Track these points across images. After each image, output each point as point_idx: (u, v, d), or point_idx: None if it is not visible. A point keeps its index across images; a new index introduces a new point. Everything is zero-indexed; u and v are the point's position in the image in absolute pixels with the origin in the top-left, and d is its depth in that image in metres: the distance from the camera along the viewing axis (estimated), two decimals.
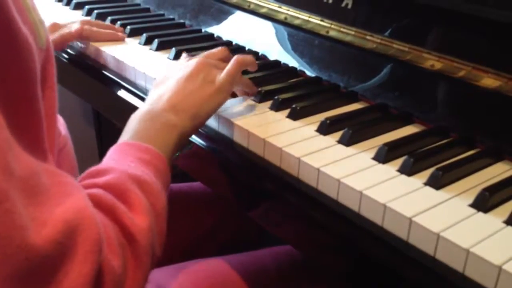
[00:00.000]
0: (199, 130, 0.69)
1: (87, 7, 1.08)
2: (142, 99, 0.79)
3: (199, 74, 0.63)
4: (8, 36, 0.36)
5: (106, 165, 0.49)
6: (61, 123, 0.52)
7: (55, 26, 0.87)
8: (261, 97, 0.72)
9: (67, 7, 1.12)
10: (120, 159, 0.50)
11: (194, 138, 0.69)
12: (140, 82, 0.81)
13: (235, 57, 0.67)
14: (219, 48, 0.71)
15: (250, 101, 0.71)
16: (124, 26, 0.97)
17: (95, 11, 1.05)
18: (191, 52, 0.85)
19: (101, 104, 0.96)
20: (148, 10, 1.11)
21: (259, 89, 0.73)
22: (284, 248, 0.79)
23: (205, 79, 0.63)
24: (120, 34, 0.93)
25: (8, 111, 0.36)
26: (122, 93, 0.81)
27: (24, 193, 0.34)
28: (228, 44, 0.92)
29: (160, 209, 0.48)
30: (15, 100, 0.37)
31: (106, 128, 1.46)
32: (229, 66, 0.65)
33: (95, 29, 0.90)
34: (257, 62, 0.84)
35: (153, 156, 0.52)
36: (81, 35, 0.88)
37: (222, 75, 0.64)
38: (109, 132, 1.46)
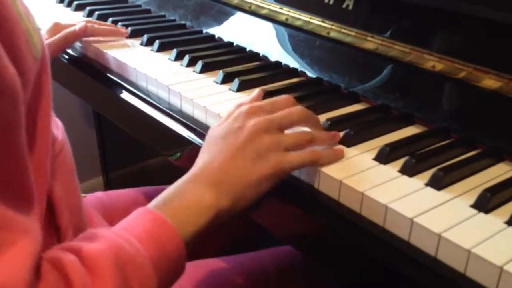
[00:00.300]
0: (197, 129, 0.69)
1: (88, 8, 1.08)
2: (143, 100, 0.79)
3: (253, 147, 0.52)
4: None
5: (107, 231, 0.45)
6: (58, 127, 0.51)
7: (57, 26, 0.87)
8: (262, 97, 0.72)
9: (68, 8, 1.12)
10: (129, 227, 0.46)
11: (194, 138, 0.69)
12: (141, 83, 0.81)
13: (314, 152, 0.55)
14: (296, 110, 0.57)
15: None
16: (125, 27, 0.97)
17: (96, 12, 1.05)
18: (193, 53, 0.85)
19: (102, 105, 0.96)
20: (149, 11, 1.11)
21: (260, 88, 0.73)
22: (283, 249, 0.79)
23: (259, 156, 0.52)
24: (123, 30, 0.94)
25: None
26: (123, 95, 0.82)
27: None
28: (229, 45, 0.93)
29: None
30: None
31: (106, 129, 1.46)
32: (305, 155, 0.54)
33: (96, 26, 0.90)
34: (258, 63, 0.85)
35: (167, 236, 0.47)
36: (85, 33, 0.87)
37: (290, 157, 0.53)
38: (109, 133, 1.46)
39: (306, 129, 0.59)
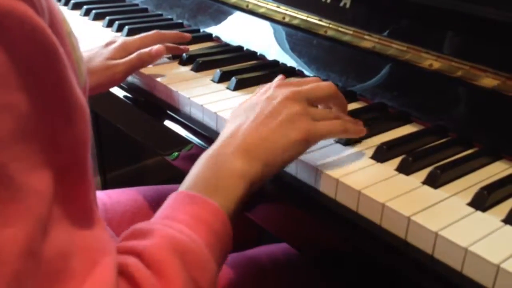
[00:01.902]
0: (196, 129, 0.69)
1: (85, 7, 1.08)
2: (141, 100, 0.79)
3: (283, 112, 0.53)
4: (64, 102, 0.34)
5: (151, 224, 0.45)
6: None
7: (126, 45, 0.77)
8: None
9: (65, 8, 1.12)
10: (171, 215, 0.46)
11: (193, 139, 0.69)
12: (137, 81, 0.81)
13: (342, 122, 0.56)
14: (324, 84, 0.57)
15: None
16: (122, 26, 0.97)
17: (93, 11, 1.05)
18: (190, 52, 0.85)
19: (100, 105, 0.96)
20: (146, 10, 1.11)
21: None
22: (280, 246, 0.79)
23: (289, 122, 0.52)
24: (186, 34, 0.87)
25: (60, 180, 0.34)
26: (119, 94, 0.81)
27: (44, 277, 0.33)
28: (226, 44, 0.92)
29: (204, 282, 0.43)
30: (66, 169, 0.35)
31: (104, 129, 1.45)
32: (335, 123, 0.55)
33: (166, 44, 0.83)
34: (255, 62, 0.85)
35: (210, 213, 0.46)
36: (161, 55, 0.78)
37: (319, 124, 0.53)
38: (107, 133, 1.46)
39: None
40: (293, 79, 0.59)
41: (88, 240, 0.37)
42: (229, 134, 0.53)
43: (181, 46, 0.86)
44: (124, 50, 0.77)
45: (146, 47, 0.78)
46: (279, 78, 0.63)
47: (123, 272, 0.39)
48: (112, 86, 0.78)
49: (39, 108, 0.33)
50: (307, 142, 0.53)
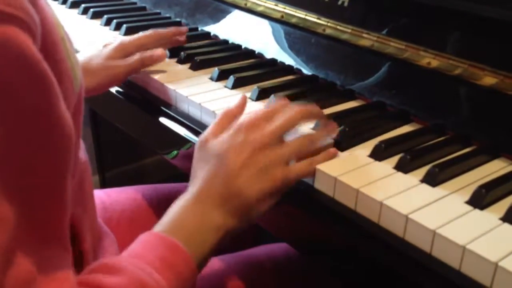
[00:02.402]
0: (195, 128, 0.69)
1: (83, 5, 1.08)
2: (138, 98, 0.78)
3: (257, 165, 0.52)
4: (48, 131, 0.33)
5: (122, 262, 0.44)
6: (81, 148, 0.50)
7: (123, 45, 0.77)
8: (257, 95, 0.72)
9: (63, 6, 1.12)
10: (143, 255, 0.46)
11: (191, 137, 0.69)
12: (135, 79, 0.81)
13: (309, 161, 0.55)
14: (294, 115, 0.55)
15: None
16: (120, 24, 0.97)
17: (91, 10, 1.05)
18: (188, 50, 0.85)
19: (98, 104, 0.95)
20: (144, 8, 1.11)
21: (256, 85, 0.73)
22: (280, 246, 0.79)
23: (264, 173, 0.52)
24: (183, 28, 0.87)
25: (28, 205, 0.33)
26: (117, 92, 0.81)
27: None
28: (225, 42, 0.92)
29: None
30: (40, 193, 0.34)
31: (102, 128, 1.45)
32: (303, 167, 0.54)
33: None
34: (253, 60, 0.85)
35: (180, 259, 0.47)
36: (162, 59, 0.78)
37: (295, 171, 0.53)
38: (105, 132, 1.45)
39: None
40: (263, 111, 0.56)
41: (55, 270, 0.36)
42: (204, 180, 0.52)
43: (178, 37, 0.86)
44: (123, 50, 0.76)
45: (144, 47, 0.78)
46: (239, 102, 0.58)
47: None
48: (112, 86, 0.78)
49: (16, 135, 0.32)
50: (282, 190, 0.53)
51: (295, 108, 0.57)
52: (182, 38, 0.87)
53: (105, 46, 0.78)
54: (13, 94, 0.31)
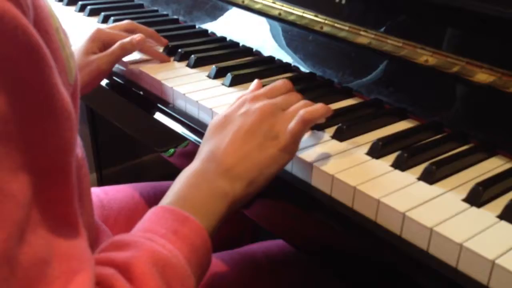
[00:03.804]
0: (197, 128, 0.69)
1: (80, 3, 1.07)
2: (136, 95, 0.78)
3: (261, 127, 0.53)
4: (46, 105, 0.33)
5: (132, 236, 0.44)
6: (79, 145, 0.50)
7: (100, 33, 0.77)
8: None
9: (60, 3, 1.11)
10: (153, 229, 0.45)
11: (189, 135, 0.68)
12: (133, 78, 0.80)
13: (301, 113, 0.54)
14: (281, 82, 0.60)
15: None
16: (117, 22, 0.97)
17: (88, 7, 1.05)
18: (185, 48, 0.85)
19: (95, 102, 0.95)
20: (141, 6, 1.10)
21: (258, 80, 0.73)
22: (276, 243, 0.79)
23: (268, 134, 0.53)
24: (165, 57, 0.83)
25: (40, 185, 0.33)
26: (114, 90, 0.81)
27: (20, 284, 0.32)
28: (222, 40, 0.92)
29: None
30: (49, 173, 0.34)
31: (100, 126, 1.45)
32: (293, 124, 0.54)
33: (148, 44, 0.82)
34: (251, 58, 0.85)
35: (191, 230, 0.46)
36: (142, 45, 0.78)
37: (286, 135, 0.53)
38: (103, 130, 1.45)
39: None
40: (265, 88, 0.60)
41: (67, 248, 0.36)
42: (208, 152, 0.53)
43: (165, 57, 0.83)
44: (98, 39, 0.76)
45: (118, 36, 0.77)
46: (254, 84, 0.62)
47: (102, 283, 0.38)
48: (100, 80, 0.77)
49: (20, 110, 0.32)
50: (288, 153, 0.54)
51: (295, 92, 0.60)
52: (165, 40, 0.86)
53: (97, 31, 0.77)
54: (12, 68, 0.31)
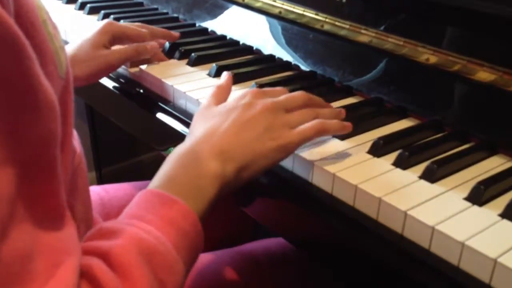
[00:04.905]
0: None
1: (80, 1, 1.07)
2: (136, 94, 0.78)
3: (262, 123, 0.52)
4: (28, 96, 0.32)
5: (119, 224, 0.43)
6: (76, 139, 0.50)
7: (113, 26, 0.76)
8: None
9: (60, 1, 1.11)
10: (139, 214, 0.44)
11: (187, 132, 0.68)
12: (132, 75, 0.80)
13: (317, 122, 0.54)
14: (298, 94, 0.58)
15: None
16: (117, 20, 0.96)
17: (88, 5, 1.04)
18: (186, 46, 0.85)
19: (95, 99, 0.95)
20: (141, 4, 1.10)
21: (254, 81, 0.73)
22: (275, 241, 0.79)
23: (268, 129, 0.52)
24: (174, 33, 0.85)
25: (24, 178, 0.33)
26: (113, 88, 0.81)
27: (3, 279, 0.32)
28: (222, 38, 0.92)
29: (172, 285, 0.41)
30: (33, 166, 0.34)
31: (99, 124, 1.45)
32: (306, 127, 0.54)
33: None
34: (251, 56, 0.85)
35: (180, 214, 0.45)
36: (156, 50, 0.79)
37: (294, 134, 0.53)
38: (102, 128, 1.45)
39: None
40: (267, 89, 0.60)
41: (52, 241, 0.35)
42: (203, 133, 0.52)
43: (172, 32, 0.85)
44: (108, 33, 0.75)
45: (129, 30, 0.77)
46: (223, 78, 0.63)
47: (85, 274, 0.38)
48: (107, 74, 0.77)
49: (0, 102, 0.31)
50: (285, 150, 0.53)
51: (298, 91, 0.59)
52: (176, 34, 0.86)
53: (109, 23, 0.77)
54: None
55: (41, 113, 0.34)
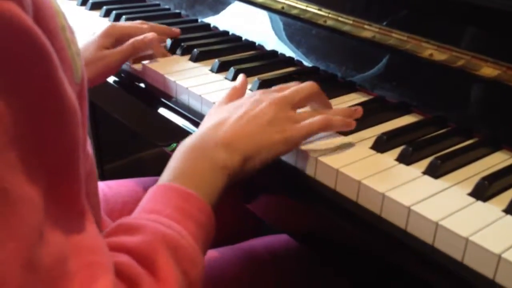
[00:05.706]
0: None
1: None
2: (138, 89, 0.78)
3: (268, 116, 0.54)
4: (54, 104, 0.33)
5: (140, 220, 0.44)
6: (88, 143, 0.50)
7: (115, 28, 0.77)
8: (258, 87, 0.71)
9: None
10: (157, 209, 0.45)
11: (192, 129, 0.68)
12: (134, 71, 0.80)
13: (322, 117, 0.56)
14: (307, 84, 0.59)
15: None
16: (119, 16, 0.96)
17: (90, 1, 1.04)
18: (188, 42, 0.84)
19: (97, 95, 0.95)
20: (144, 0, 1.10)
21: (257, 77, 0.73)
22: (279, 237, 0.79)
23: (273, 125, 0.54)
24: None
25: (52, 182, 0.34)
26: (116, 84, 0.81)
27: (45, 284, 0.32)
28: (225, 34, 0.92)
29: (195, 276, 0.43)
30: (60, 170, 0.34)
31: (101, 121, 1.45)
32: (315, 121, 0.55)
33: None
34: (253, 52, 0.85)
35: (195, 207, 0.46)
36: (154, 43, 0.79)
37: (298, 128, 0.54)
38: (104, 125, 1.45)
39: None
40: (275, 87, 0.61)
41: (81, 241, 0.36)
42: (211, 126, 0.54)
43: (173, 29, 0.86)
44: (111, 35, 0.76)
45: (132, 29, 0.78)
46: (242, 78, 0.65)
47: (118, 272, 0.38)
48: (109, 75, 0.78)
49: (27, 112, 0.32)
50: (289, 144, 0.54)
51: (308, 82, 0.60)
52: (177, 30, 0.87)
53: (93, 35, 0.77)
54: (17, 69, 0.31)
55: (66, 119, 0.34)
